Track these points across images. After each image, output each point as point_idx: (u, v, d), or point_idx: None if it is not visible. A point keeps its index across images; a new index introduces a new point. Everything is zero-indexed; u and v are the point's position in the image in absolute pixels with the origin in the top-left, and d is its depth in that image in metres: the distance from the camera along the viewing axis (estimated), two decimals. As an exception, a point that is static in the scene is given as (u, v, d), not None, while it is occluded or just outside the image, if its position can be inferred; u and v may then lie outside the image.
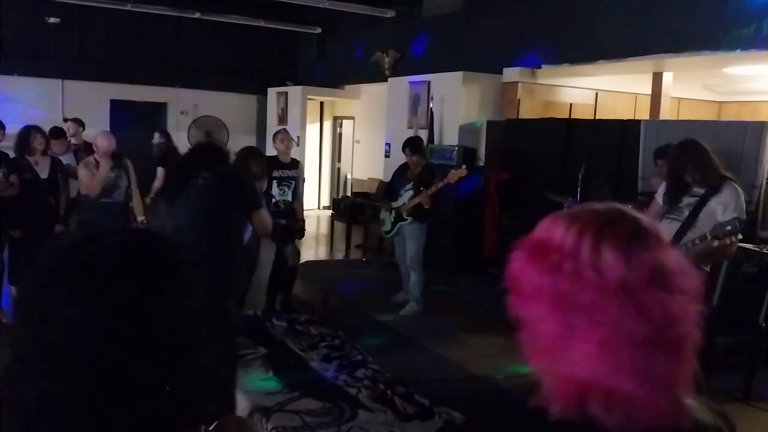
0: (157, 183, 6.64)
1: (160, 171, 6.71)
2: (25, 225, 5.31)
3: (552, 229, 0.88)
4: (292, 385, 4.05)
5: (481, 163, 7.92)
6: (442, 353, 4.97)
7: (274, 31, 12.36)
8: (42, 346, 0.78)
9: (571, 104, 8.49)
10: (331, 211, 10.66)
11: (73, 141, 7.26)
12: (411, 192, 5.88)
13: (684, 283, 0.85)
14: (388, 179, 6.68)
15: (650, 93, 7.75)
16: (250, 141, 11.87)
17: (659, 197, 3.98)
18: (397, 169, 6.25)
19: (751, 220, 5.08)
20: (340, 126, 13.74)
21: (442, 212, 6.40)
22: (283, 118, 12.43)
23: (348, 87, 12.43)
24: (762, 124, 5.54)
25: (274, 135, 6.14)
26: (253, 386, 4.01)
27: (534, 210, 6.83)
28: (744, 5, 5.94)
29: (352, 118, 13.18)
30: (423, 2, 9.90)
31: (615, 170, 6.47)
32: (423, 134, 7.81)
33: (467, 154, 7.63)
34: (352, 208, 9.28)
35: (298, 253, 6.05)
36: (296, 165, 6.02)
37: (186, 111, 12.98)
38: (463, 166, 6.00)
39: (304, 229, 6.18)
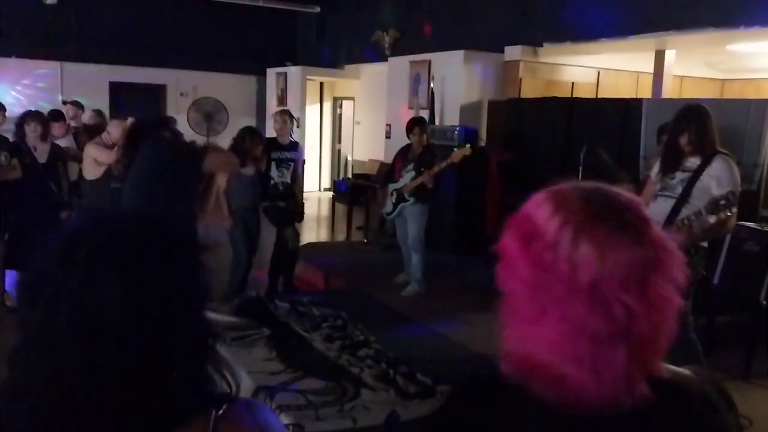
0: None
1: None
2: (25, 210, 5.31)
3: (538, 210, 0.90)
4: (296, 365, 4.08)
5: (483, 143, 7.90)
6: (444, 333, 5.00)
7: (273, 11, 12.27)
8: (54, 329, 0.78)
9: (573, 83, 8.45)
10: (331, 192, 10.66)
11: (73, 124, 7.24)
12: (412, 173, 5.87)
13: (663, 276, 0.86)
14: (389, 160, 6.67)
15: (652, 71, 7.70)
16: (250, 122, 11.82)
17: (653, 175, 3.95)
18: (398, 151, 6.23)
19: (753, 199, 5.07)
20: (340, 107, 13.68)
21: (444, 193, 6.40)
22: (282, 99, 12.38)
23: (348, 67, 12.36)
24: (765, 102, 5.51)
25: (273, 116, 6.13)
26: (257, 367, 4.04)
27: (536, 190, 6.83)
28: (748, -19, 5.88)
29: (353, 98, 13.13)
30: (423, -19, 9.82)
31: (617, 149, 6.45)
32: (424, 114, 7.78)
33: (468, 134, 7.60)
34: (353, 189, 9.27)
35: (298, 235, 6.06)
36: (295, 147, 5.99)
37: (185, 93, 12.93)
38: (467, 146, 5.98)
39: (303, 213, 6.18)
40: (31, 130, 5.47)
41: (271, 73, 12.87)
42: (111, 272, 0.79)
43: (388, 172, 6.31)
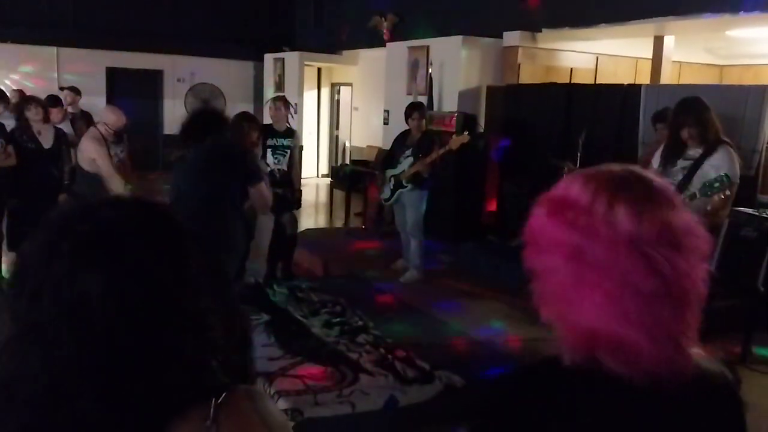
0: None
1: None
2: (28, 195, 5.30)
3: (569, 187, 0.93)
4: (295, 351, 4.10)
5: (481, 130, 7.88)
6: (442, 319, 5.02)
7: (270, -4, 12.20)
8: (43, 318, 0.77)
9: (571, 69, 8.42)
10: (329, 179, 10.65)
11: (70, 110, 7.22)
12: (410, 159, 5.86)
13: (692, 243, 0.90)
14: (387, 147, 6.65)
15: (651, 57, 7.68)
16: (247, 108, 11.76)
17: (655, 162, 3.96)
18: (396, 137, 6.22)
19: (751, 184, 5.08)
20: (338, 93, 13.62)
21: (442, 179, 6.39)
22: (280, 85, 12.33)
23: (346, 53, 12.29)
24: (764, 88, 5.49)
25: (269, 102, 6.09)
26: (256, 352, 4.06)
27: (534, 176, 6.85)
28: (748, -34, 5.85)
29: (350, 84, 13.07)
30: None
31: (615, 135, 6.45)
32: (422, 100, 7.75)
33: (467, 120, 7.58)
34: (351, 176, 9.26)
35: (296, 221, 6.05)
36: (292, 134, 5.97)
37: (182, 78, 12.87)
38: (465, 132, 5.98)
39: (301, 200, 6.17)
40: (33, 114, 5.45)
41: (269, 58, 12.80)
42: (94, 261, 0.77)
43: (386, 157, 6.30)
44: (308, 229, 8.30)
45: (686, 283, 0.88)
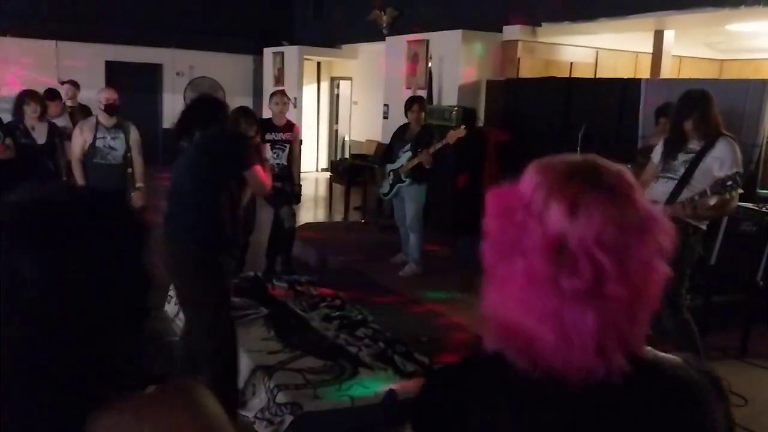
0: None
1: None
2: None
3: (524, 178, 0.92)
4: (294, 345, 4.10)
5: (481, 124, 7.87)
6: (442, 313, 5.02)
7: (269, -11, 12.16)
8: None
9: (571, 63, 8.41)
10: (329, 173, 10.64)
11: (69, 103, 7.19)
12: (409, 153, 5.85)
13: (646, 240, 0.85)
14: (386, 141, 6.65)
15: (651, 51, 7.66)
16: (246, 102, 11.76)
17: (655, 157, 3.95)
18: (395, 132, 6.21)
19: (751, 179, 5.07)
20: (338, 87, 13.60)
21: (442, 173, 6.38)
22: (279, 79, 12.30)
23: (345, 47, 12.26)
24: (764, 82, 5.49)
25: (271, 96, 6.06)
26: (255, 346, 4.06)
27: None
28: (749, -40, 5.83)
29: (350, 78, 13.04)
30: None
31: (615, 130, 6.44)
32: (422, 94, 7.74)
33: (466, 114, 7.57)
34: (350, 170, 9.25)
35: (294, 214, 6.05)
36: (291, 128, 5.96)
37: (182, 72, 12.85)
38: (462, 127, 5.96)
39: (301, 194, 6.16)
40: (31, 111, 5.43)
41: (268, 52, 12.77)
42: (28, 248, 0.76)
43: (386, 151, 6.29)
44: (307, 223, 8.30)
45: (626, 290, 0.82)
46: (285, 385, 3.53)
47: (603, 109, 6.57)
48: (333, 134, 13.73)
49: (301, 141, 6.34)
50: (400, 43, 8.99)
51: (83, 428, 0.76)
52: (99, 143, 5.14)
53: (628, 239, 0.83)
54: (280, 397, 3.43)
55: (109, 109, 5.21)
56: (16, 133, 5.39)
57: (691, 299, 3.97)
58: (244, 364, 3.83)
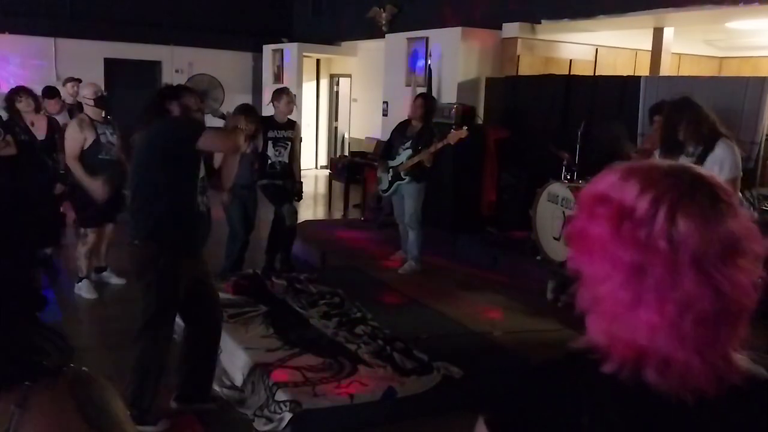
0: None
1: None
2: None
3: (623, 190, 0.86)
4: (293, 342, 4.10)
5: (480, 121, 7.87)
6: (441, 310, 5.02)
7: (269, -14, 12.14)
8: None
9: (571, 60, 8.40)
10: (328, 170, 10.64)
11: (69, 101, 7.19)
12: (409, 151, 5.84)
13: (751, 248, 0.84)
14: (386, 138, 6.64)
15: (650, 49, 7.66)
16: (246, 99, 11.74)
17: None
18: (395, 128, 6.20)
19: (750, 177, 5.08)
20: (337, 84, 13.59)
21: (441, 170, 6.38)
22: (279, 77, 12.29)
23: (345, 44, 12.25)
24: (763, 79, 5.49)
25: (278, 94, 5.93)
26: (254, 343, 4.06)
27: (533, 168, 6.85)
28: (748, -43, 5.83)
29: (349, 76, 13.03)
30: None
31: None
32: (421, 92, 7.73)
33: (466, 111, 7.57)
34: (349, 167, 9.25)
35: (295, 212, 6.05)
36: (292, 126, 5.96)
37: (181, 69, 12.83)
38: (465, 127, 5.93)
39: (302, 191, 6.16)
40: (25, 106, 5.42)
41: (267, 50, 12.75)
42: None
43: (385, 149, 6.29)
44: (307, 220, 8.30)
45: (744, 296, 0.83)
46: (284, 383, 3.53)
47: (602, 107, 6.57)
48: (332, 131, 13.73)
49: (301, 139, 6.34)
50: (399, 40, 8.98)
51: None
52: (102, 139, 5.08)
53: (743, 249, 0.84)
54: (279, 395, 3.43)
55: (100, 102, 5.13)
56: (16, 130, 5.39)
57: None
58: (243, 361, 3.84)
